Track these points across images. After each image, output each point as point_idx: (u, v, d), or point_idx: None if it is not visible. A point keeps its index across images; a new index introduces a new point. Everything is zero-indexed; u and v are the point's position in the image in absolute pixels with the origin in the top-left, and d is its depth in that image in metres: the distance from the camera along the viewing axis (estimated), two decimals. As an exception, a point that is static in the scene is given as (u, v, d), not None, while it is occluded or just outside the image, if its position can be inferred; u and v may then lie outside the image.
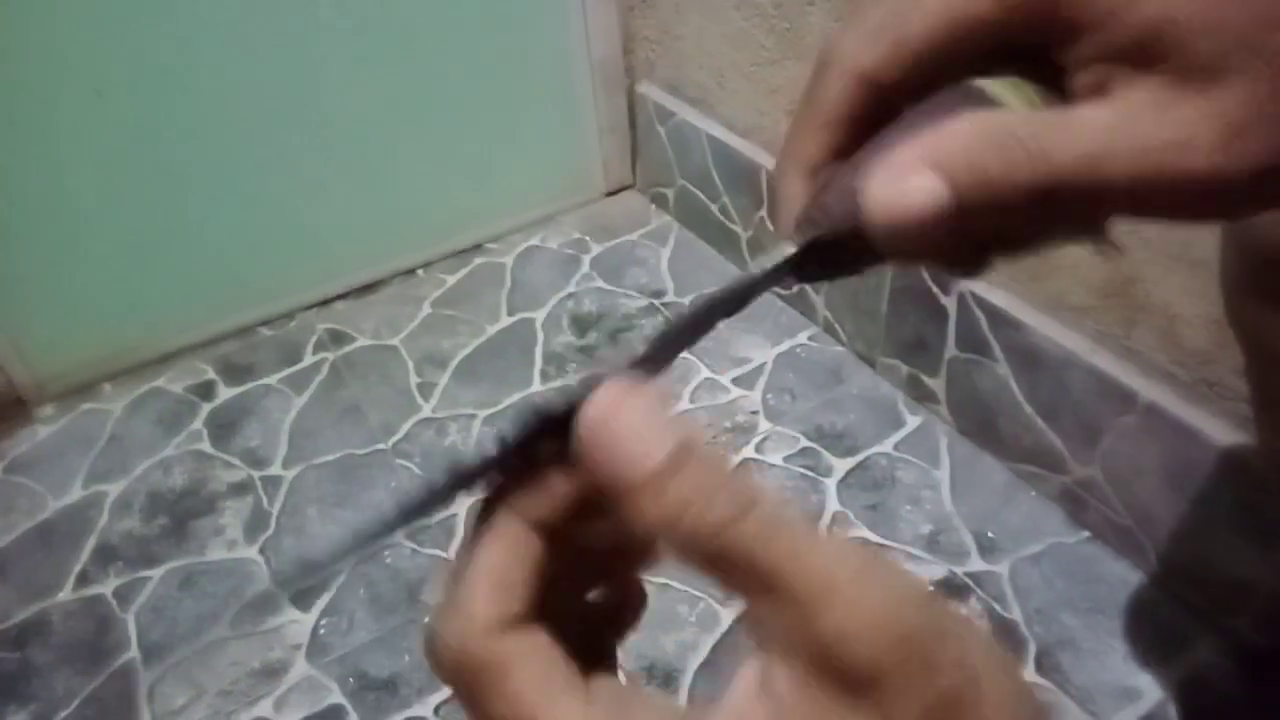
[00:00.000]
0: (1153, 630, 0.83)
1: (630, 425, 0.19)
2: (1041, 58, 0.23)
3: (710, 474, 0.19)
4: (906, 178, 0.22)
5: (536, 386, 1.15)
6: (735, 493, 0.19)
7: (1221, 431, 0.75)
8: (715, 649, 0.84)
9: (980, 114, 0.22)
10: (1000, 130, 0.21)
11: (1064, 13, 0.22)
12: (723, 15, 1.17)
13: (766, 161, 1.19)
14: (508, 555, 0.21)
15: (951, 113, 0.23)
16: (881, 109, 0.24)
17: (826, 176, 0.25)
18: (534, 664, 0.20)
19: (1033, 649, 0.82)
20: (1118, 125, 0.21)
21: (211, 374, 1.22)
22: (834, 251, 0.25)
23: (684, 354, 0.25)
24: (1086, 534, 0.91)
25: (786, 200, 0.26)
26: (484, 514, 0.22)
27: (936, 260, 0.25)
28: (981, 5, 0.23)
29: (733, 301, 0.25)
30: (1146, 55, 0.21)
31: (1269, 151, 0.20)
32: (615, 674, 0.24)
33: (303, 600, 0.92)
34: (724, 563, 0.19)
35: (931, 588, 0.87)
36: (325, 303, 1.32)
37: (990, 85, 0.23)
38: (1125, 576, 0.87)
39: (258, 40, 1.13)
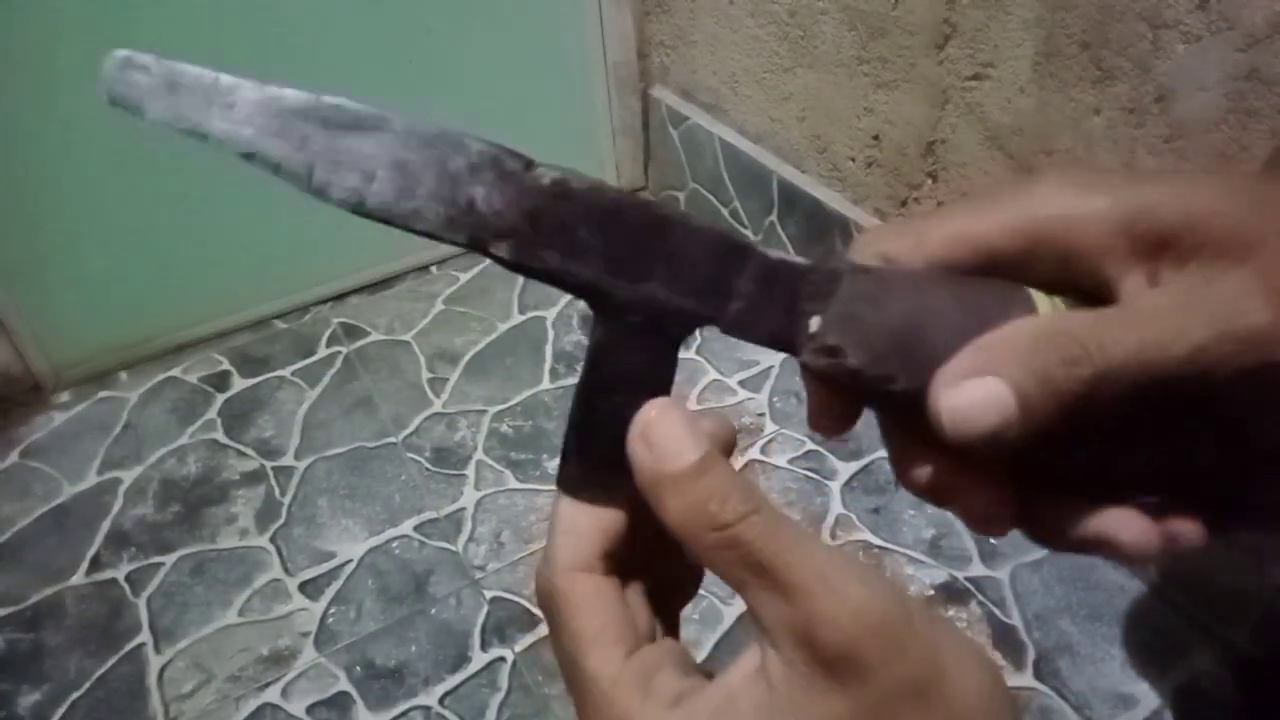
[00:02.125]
0: (1150, 638, 0.84)
1: (672, 430, 0.23)
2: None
3: (729, 479, 0.22)
4: (976, 389, 0.22)
5: (546, 384, 1.16)
6: (747, 495, 0.22)
7: (1222, 443, 0.76)
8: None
9: (1033, 320, 0.23)
10: (1059, 333, 0.22)
11: (1075, 240, 0.23)
12: (737, 22, 1.18)
13: (778, 167, 1.20)
14: (584, 513, 0.25)
15: (1003, 311, 0.23)
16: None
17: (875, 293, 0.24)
18: (597, 611, 0.24)
19: (1031, 654, 0.83)
20: (1178, 303, 0.22)
21: (226, 365, 1.23)
22: (846, 387, 0.24)
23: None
24: (1087, 542, 0.91)
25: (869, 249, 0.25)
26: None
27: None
28: (994, 238, 0.24)
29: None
30: (1188, 247, 0.22)
31: None
32: (677, 636, 0.27)
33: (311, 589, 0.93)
34: (732, 553, 0.21)
35: (931, 592, 0.88)
36: (340, 297, 1.34)
37: (1032, 293, 0.24)
38: (1124, 584, 0.88)
39: (277, 38, 1.15)
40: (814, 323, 0.24)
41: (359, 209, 0.23)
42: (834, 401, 0.26)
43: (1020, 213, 0.24)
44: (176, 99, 0.22)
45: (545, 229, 0.24)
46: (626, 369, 0.24)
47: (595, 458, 0.25)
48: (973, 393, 0.22)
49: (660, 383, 0.25)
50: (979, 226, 0.24)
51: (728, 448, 0.27)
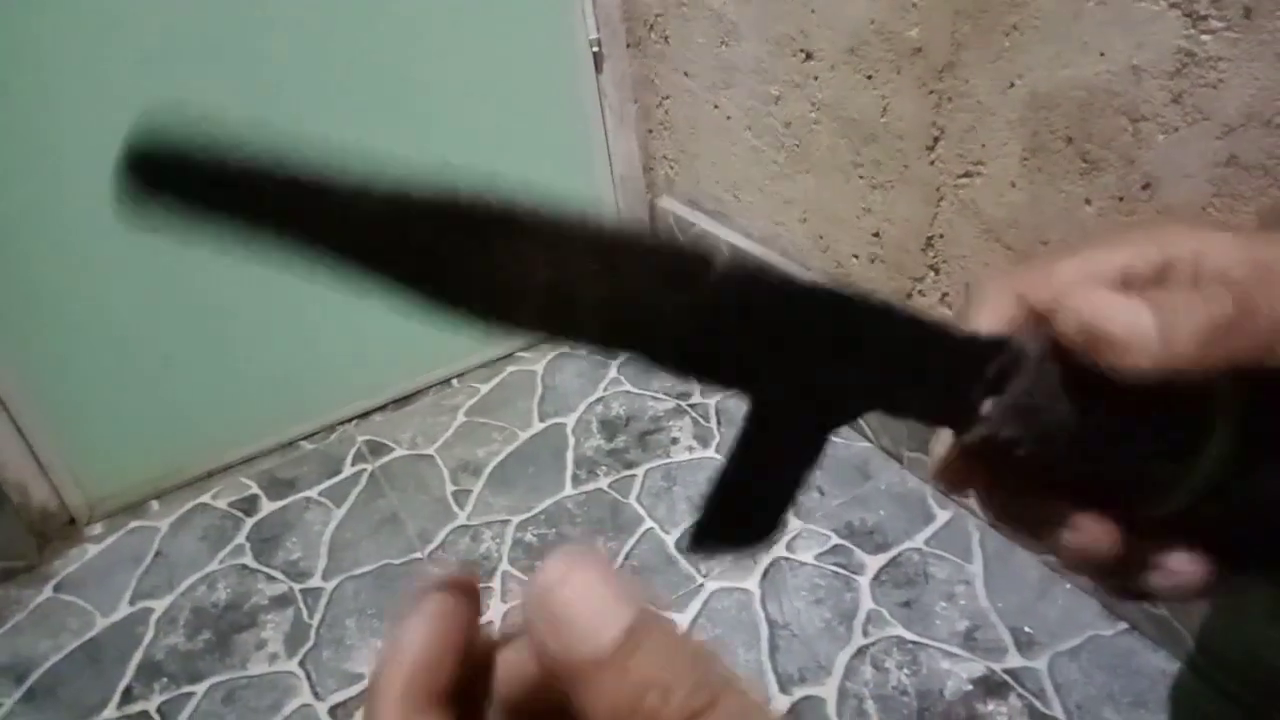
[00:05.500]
0: (1199, 724, 0.81)
1: (582, 595, 0.17)
2: None
3: (670, 656, 0.17)
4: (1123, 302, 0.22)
5: (569, 490, 1.17)
6: (699, 681, 0.17)
7: (1247, 518, 0.76)
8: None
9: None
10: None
11: None
12: (736, 135, 1.24)
13: (784, 266, 1.23)
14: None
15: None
16: None
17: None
18: None
19: (1077, 747, 0.81)
20: None
21: (255, 489, 1.25)
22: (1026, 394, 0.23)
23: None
24: (1124, 625, 0.90)
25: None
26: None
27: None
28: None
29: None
30: None
31: None
32: None
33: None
34: None
35: (969, 687, 0.86)
36: (364, 415, 1.36)
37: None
38: (1165, 668, 0.86)
39: (276, 50, 1.19)
40: (987, 406, 0.23)
41: None
42: (972, 469, 0.25)
43: (1153, 240, 0.24)
44: None
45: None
46: (780, 448, 0.23)
47: (729, 533, 0.23)
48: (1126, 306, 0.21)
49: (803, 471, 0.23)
50: (1113, 254, 0.24)
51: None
